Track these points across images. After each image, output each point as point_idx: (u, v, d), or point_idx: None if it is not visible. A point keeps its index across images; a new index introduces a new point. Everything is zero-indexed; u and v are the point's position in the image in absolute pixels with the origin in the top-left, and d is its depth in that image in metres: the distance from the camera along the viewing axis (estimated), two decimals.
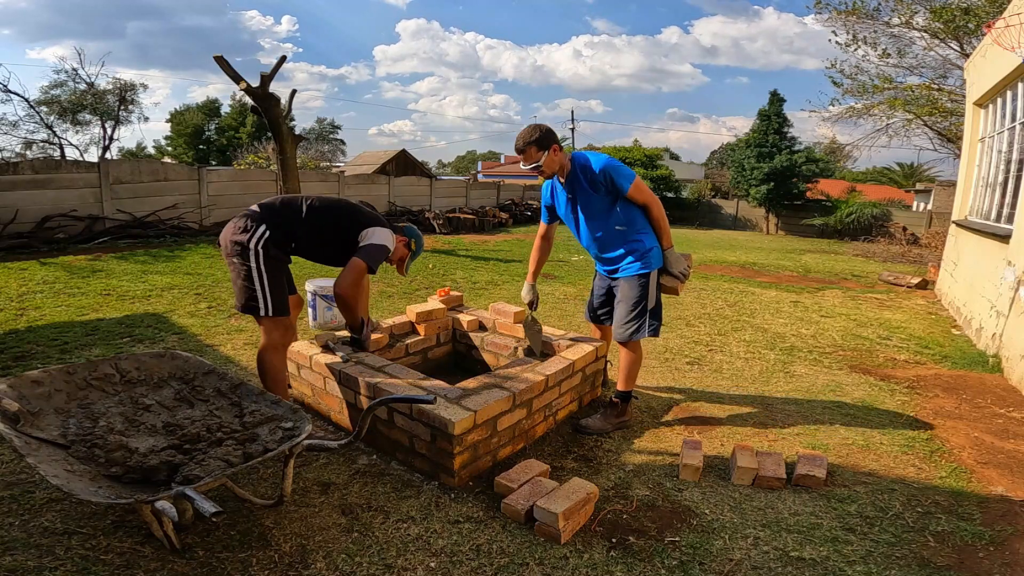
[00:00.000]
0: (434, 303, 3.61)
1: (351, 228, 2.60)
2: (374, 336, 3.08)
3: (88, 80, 18.80)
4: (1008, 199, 5.39)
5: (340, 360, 2.74)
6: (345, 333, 3.01)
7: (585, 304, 3.25)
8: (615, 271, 2.84)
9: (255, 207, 2.57)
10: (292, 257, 2.68)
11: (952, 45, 12.61)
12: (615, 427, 2.86)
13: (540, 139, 2.59)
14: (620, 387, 2.87)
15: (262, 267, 2.45)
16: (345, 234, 2.61)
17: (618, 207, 2.70)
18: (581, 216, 2.78)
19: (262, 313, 2.47)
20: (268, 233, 2.46)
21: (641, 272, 2.75)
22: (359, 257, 2.52)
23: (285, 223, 2.54)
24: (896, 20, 12.94)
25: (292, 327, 2.61)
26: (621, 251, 2.77)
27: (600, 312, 3.07)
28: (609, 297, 2.97)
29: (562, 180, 2.77)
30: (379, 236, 2.59)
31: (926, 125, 14.25)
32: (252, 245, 2.43)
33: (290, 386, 2.96)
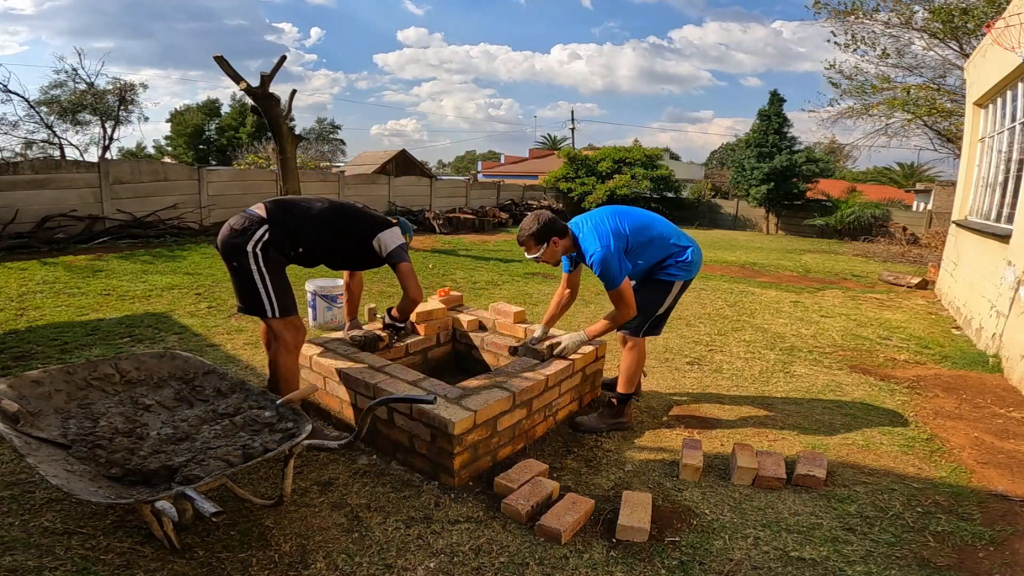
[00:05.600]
0: (434, 303, 3.61)
1: (363, 234, 2.63)
2: (376, 329, 3.10)
3: (88, 80, 18.80)
4: (1008, 199, 5.39)
5: (361, 336, 2.92)
6: (339, 334, 3.04)
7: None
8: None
9: (259, 208, 2.52)
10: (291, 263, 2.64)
11: (952, 45, 12.61)
12: (610, 427, 2.86)
13: (537, 233, 2.65)
14: (619, 388, 2.90)
15: (263, 269, 2.43)
16: (352, 241, 2.64)
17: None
18: None
19: (269, 315, 2.45)
20: (268, 235, 2.43)
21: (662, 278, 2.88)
22: (404, 262, 2.64)
23: (292, 226, 2.51)
24: (895, 20, 12.95)
25: (302, 326, 2.59)
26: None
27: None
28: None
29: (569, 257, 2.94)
30: (394, 236, 2.67)
31: (926, 125, 14.26)
32: (250, 248, 2.40)
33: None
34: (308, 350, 2.87)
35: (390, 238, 2.64)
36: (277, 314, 2.46)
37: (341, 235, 2.62)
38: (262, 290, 2.43)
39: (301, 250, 2.56)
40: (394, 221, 2.88)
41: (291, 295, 2.56)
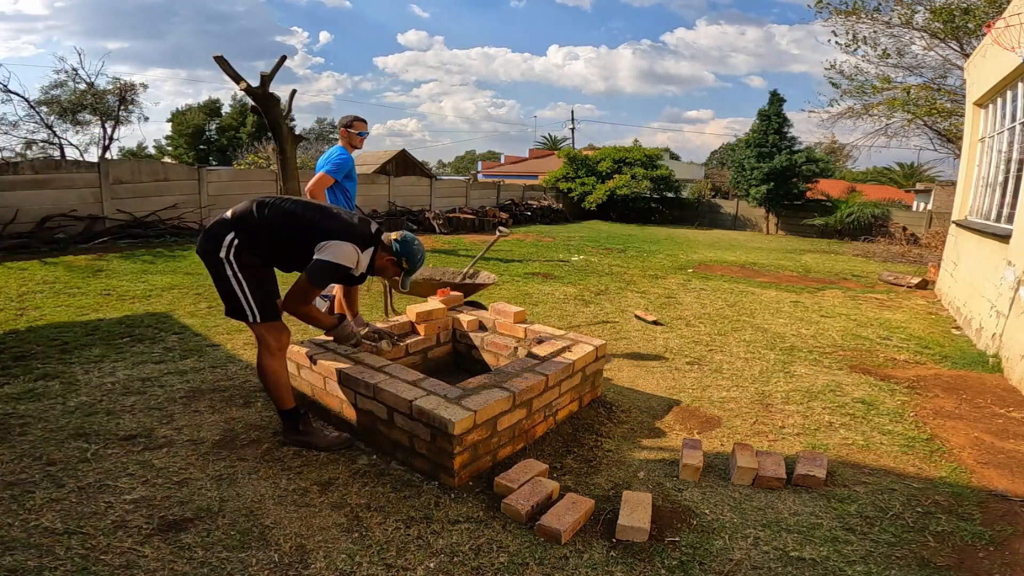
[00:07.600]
0: (434, 303, 3.61)
1: (312, 238, 2.40)
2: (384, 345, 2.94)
3: (88, 80, 18.80)
4: (1008, 199, 5.39)
5: (342, 358, 2.73)
6: (326, 336, 2.93)
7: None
8: None
9: (230, 212, 2.45)
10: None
11: (952, 45, 12.62)
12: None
13: None
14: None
15: (239, 274, 2.38)
16: (308, 244, 2.41)
17: None
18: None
19: (251, 320, 2.43)
20: (237, 240, 2.37)
21: None
22: (305, 272, 2.37)
23: (251, 230, 2.42)
24: (896, 20, 12.96)
25: (285, 328, 2.57)
26: None
27: None
28: None
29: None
30: (332, 251, 2.35)
31: (926, 125, 14.26)
32: (223, 255, 2.36)
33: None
34: (308, 350, 2.87)
35: (328, 251, 2.35)
36: (258, 318, 2.44)
37: (299, 237, 2.43)
38: (240, 296, 2.41)
39: (259, 252, 2.45)
40: (393, 238, 2.58)
41: (272, 300, 2.51)
